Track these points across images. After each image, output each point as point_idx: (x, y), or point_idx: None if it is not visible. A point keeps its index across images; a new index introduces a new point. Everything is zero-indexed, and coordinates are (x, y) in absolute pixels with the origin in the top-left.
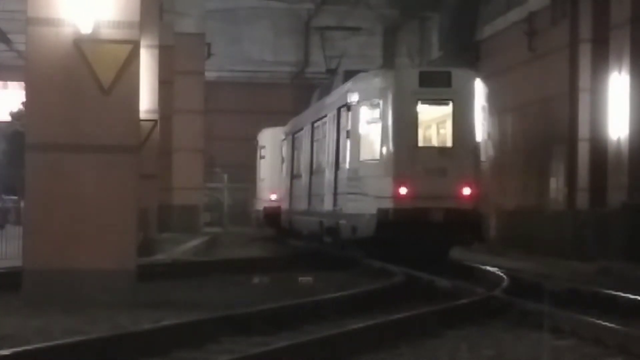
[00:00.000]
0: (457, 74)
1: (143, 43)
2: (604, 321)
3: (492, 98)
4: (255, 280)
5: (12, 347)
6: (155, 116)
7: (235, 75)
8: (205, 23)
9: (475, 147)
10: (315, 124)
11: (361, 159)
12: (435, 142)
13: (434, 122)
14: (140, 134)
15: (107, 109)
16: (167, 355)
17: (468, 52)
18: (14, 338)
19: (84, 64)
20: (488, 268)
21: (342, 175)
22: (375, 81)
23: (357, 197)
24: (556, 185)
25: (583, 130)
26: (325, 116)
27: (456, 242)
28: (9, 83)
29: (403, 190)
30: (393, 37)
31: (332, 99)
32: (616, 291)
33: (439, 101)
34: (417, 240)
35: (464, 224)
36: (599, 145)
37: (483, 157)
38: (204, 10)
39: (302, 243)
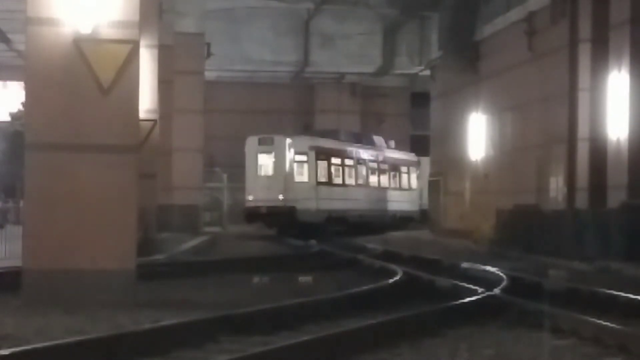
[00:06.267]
0: (276, 138)
1: (143, 43)
2: (604, 321)
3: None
4: (255, 280)
5: (12, 347)
6: (155, 116)
7: (234, 75)
8: (204, 23)
9: (287, 174)
10: None
11: (246, 181)
12: (266, 173)
13: (266, 163)
14: (140, 134)
15: (107, 109)
16: (167, 355)
17: (468, 52)
18: (14, 338)
19: (83, 63)
20: (488, 268)
21: None
22: (246, 142)
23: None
24: (556, 184)
25: (583, 130)
26: None
27: (279, 222)
28: (9, 83)
29: (250, 197)
30: (393, 37)
31: None
32: (616, 291)
33: (267, 153)
34: (261, 222)
35: (280, 214)
36: (598, 145)
37: (297, 179)
38: (204, 10)
39: (302, 243)
